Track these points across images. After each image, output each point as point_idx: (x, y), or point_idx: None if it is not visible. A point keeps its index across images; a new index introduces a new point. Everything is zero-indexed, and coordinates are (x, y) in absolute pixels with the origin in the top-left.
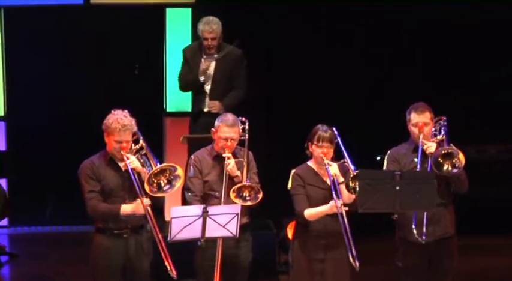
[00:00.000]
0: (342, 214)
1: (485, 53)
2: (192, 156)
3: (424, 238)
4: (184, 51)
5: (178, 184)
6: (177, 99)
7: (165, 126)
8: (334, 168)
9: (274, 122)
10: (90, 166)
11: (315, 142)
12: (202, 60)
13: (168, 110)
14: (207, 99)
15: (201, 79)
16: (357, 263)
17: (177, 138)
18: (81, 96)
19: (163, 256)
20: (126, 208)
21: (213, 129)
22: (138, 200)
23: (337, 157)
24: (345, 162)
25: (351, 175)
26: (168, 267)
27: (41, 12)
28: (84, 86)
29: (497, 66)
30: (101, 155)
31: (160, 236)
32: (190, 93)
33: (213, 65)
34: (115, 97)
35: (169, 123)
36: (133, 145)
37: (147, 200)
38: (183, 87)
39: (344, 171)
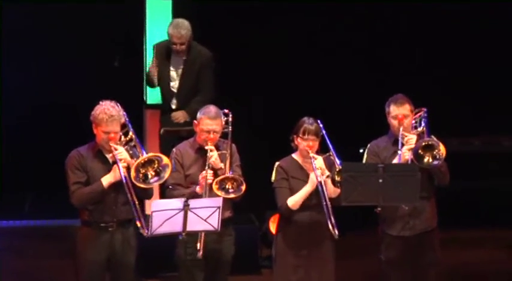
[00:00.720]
0: (321, 182)
1: (470, 43)
2: (174, 149)
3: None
4: (154, 48)
5: (167, 174)
6: (157, 92)
7: (145, 118)
8: (319, 161)
9: (258, 114)
10: (77, 156)
11: (300, 135)
12: (171, 58)
13: (148, 102)
14: (174, 98)
15: (174, 80)
16: (337, 232)
17: (158, 130)
18: (62, 89)
19: (136, 215)
20: (106, 179)
21: (195, 121)
22: (115, 166)
23: (322, 150)
24: (330, 155)
25: (337, 169)
26: (139, 225)
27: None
28: (64, 79)
29: (480, 56)
30: (89, 147)
31: (134, 197)
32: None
33: (181, 65)
34: (94, 89)
35: (149, 116)
36: (122, 136)
37: (123, 164)
38: (147, 84)
39: (329, 164)
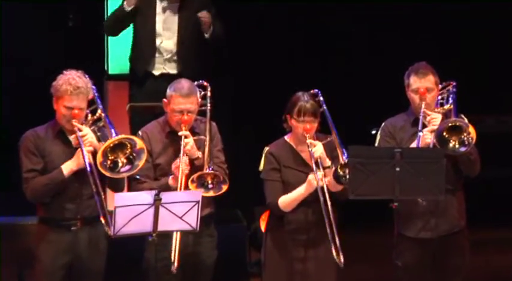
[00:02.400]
0: (322, 187)
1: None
2: (140, 132)
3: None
4: None
5: (142, 163)
6: (121, 59)
7: (107, 91)
8: (318, 149)
9: (243, 87)
10: (33, 138)
11: (294, 116)
12: (161, 9)
13: (110, 72)
14: (158, 57)
15: (160, 36)
16: (342, 259)
17: (122, 106)
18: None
19: (100, 210)
20: (68, 166)
21: (164, 100)
22: (78, 150)
23: (323, 130)
24: (333, 139)
25: (341, 163)
26: (103, 222)
27: None
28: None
29: None
30: (49, 126)
31: (100, 189)
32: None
33: (173, 14)
34: (42, 56)
35: (112, 89)
36: (90, 115)
37: (88, 148)
38: (108, 29)
39: (331, 150)
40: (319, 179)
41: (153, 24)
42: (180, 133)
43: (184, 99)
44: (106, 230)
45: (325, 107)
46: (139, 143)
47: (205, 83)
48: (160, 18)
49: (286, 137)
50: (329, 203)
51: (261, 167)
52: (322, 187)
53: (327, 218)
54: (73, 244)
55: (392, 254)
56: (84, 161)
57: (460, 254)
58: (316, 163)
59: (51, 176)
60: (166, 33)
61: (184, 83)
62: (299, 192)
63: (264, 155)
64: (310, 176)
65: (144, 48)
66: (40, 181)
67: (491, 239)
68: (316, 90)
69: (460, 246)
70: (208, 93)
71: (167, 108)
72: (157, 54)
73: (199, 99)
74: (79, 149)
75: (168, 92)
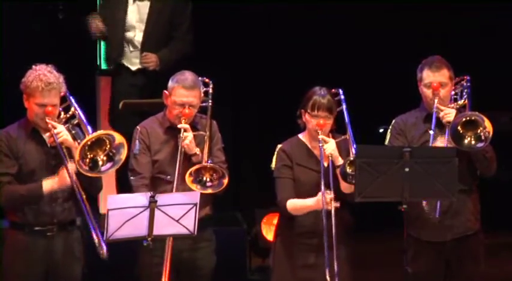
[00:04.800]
0: (329, 212)
1: None
2: (138, 127)
3: (438, 215)
4: None
5: (123, 157)
6: None
7: (98, 87)
8: (330, 146)
9: (243, 88)
10: (6, 139)
11: (308, 110)
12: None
13: (102, 67)
14: (133, 51)
15: (133, 28)
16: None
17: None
18: None
19: (90, 222)
20: (49, 183)
21: (165, 91)
22: (62, 171)
23: (340, 130)
24: (347, 138)
25: (350, 159)
26: (97, 242)
27: None
28: None
29: None
30: (20, 125)
31: (88, 206)
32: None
33: (145, 6)
34: (30, 50)
35: (104, 84)
36: (62, 112)
37: (72, 165)
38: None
39: (346, 149)
40: (327, 201)
41: (124, 14)
42: (179, 125)
43: (188, 92)
44: (99, 252)
45: (344, 106)
46: (118, 138)
47: (207, 79)
48: (133, 9)
49: (300, 135)
50: (333, 224)
51: (273, 164)
52: (328, 211)
53: (326, 238)
54: (49, 251)
55: (403, 259)
56: (71, 180)
57: (474, 262)
58: (327, 184)
59: (30, 188)
60: (141, 25)
61: (188, 75)
62: (308, 203)
63: (276, 152)
64: (319, 196)
65: (112, 39)
66: (17, 190)
67: (506, 243)
68: (339, 89)
69: (474, 252)
70: (210, 90)
71: (167, 101)
72: (132, 48)
73: (202, 95)
74: (63, 170)
75: (170, 83)
